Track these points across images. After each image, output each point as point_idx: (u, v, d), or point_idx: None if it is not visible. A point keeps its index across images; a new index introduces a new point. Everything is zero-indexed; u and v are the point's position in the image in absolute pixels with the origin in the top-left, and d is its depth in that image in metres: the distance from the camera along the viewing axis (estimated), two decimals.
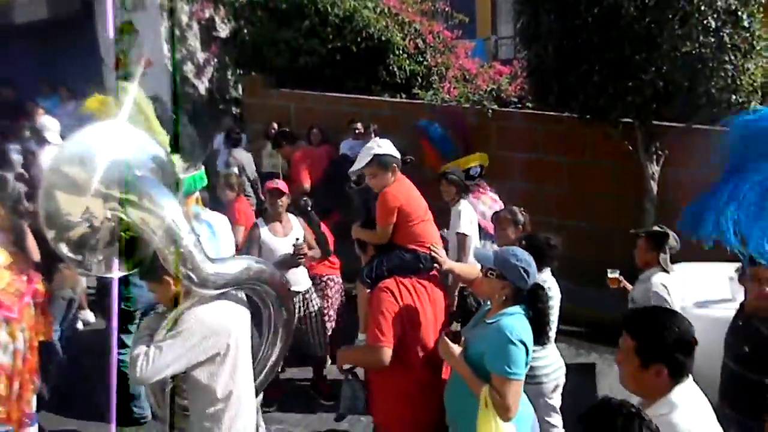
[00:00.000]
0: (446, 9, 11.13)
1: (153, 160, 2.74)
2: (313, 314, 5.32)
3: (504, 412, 2.78)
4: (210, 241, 4.32)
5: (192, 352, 2.84)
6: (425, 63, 10.13)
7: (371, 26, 9.53)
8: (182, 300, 2.93)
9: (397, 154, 3.82)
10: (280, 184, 5.27)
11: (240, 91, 11.68)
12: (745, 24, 6.31)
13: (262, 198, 6.77)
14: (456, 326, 2.99)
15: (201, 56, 12.08)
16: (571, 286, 6.17)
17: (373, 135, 8.29)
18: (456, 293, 5.02)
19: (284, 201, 5.20)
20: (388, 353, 3.29)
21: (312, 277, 5.49)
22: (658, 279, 4.28)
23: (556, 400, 4.10)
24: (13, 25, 11.16)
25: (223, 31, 11.57)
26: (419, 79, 10.04)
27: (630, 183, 7.37)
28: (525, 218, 4.82)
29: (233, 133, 9.32)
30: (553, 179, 8.12)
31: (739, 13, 6.25)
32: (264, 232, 5.13)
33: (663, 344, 2.25)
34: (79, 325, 6.39)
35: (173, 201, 2.73)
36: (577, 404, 2.85)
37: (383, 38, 9.62)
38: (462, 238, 5.61)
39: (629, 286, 4.71)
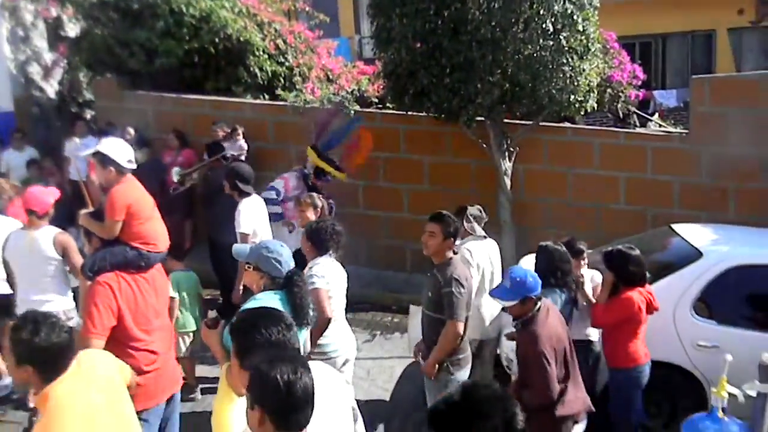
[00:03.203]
0: (307, 9, 11.08)
1: None
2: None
3: (236, 386, 2.78)
4: None
5: None
6: (287, 64, 10.06)
7: (229, 27, 9.30)
8: None
9: (122, 159, 3.98)
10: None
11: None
12: (581, 27, 6.73)
13: None
14: (212, 313, 3.21)
15: (48, 57, 11.36)
16: None
17: (240, 137, 8.13)
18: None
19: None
20: (97, 344, 3.60)
21: None
22: (465, 245, 4.99)
23: (347, 373, 4.47)
24: None
25: (72, 30, 10.89)
26: (282, 80, 9.96)
27: (487, 179, 7.71)
28: (323, 203, 5.47)
29: None
30: (414, 178, 8.35)
31: (575, 17, 6.65)
32: None
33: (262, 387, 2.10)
34: None
35: None
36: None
37: (242, 39, 9.43)
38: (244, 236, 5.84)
39: None
